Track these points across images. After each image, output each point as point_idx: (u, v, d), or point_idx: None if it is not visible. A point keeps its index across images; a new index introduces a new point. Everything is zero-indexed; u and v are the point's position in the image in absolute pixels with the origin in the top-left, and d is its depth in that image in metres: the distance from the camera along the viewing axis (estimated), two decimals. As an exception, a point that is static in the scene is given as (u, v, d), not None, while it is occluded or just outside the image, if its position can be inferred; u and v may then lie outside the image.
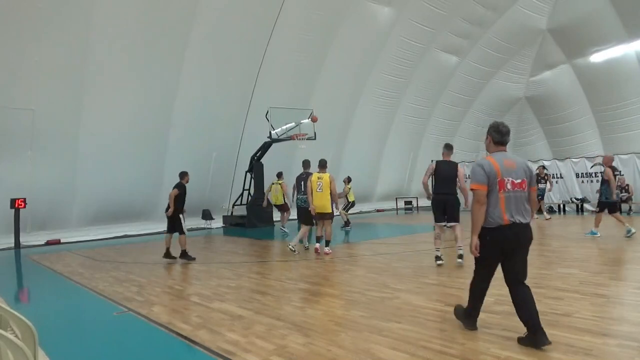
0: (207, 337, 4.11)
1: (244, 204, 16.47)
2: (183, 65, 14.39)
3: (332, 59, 17.64)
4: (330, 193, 8.65)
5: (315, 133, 15.64)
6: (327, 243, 8.84)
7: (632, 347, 3.43)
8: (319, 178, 8.72)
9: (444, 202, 7.42)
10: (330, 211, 8.71)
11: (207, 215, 16.60)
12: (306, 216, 9.23)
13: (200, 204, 16.49)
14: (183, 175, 9.19)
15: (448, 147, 7.70)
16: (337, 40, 17.29)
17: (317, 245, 9.05)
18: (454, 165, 7.59)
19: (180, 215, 8.91)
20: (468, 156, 24.48)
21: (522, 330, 3.54)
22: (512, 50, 22.34)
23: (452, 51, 21.23)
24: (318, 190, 8.64)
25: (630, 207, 16.63)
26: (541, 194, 14.61)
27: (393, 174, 23.34)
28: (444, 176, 7.44)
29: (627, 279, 6.06)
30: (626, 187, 16.42)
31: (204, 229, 16.43)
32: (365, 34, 17.98)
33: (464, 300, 4.95)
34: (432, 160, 8.60)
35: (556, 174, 17.92)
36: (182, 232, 8.88)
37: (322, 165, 8.96)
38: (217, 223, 16.90)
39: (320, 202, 8.64)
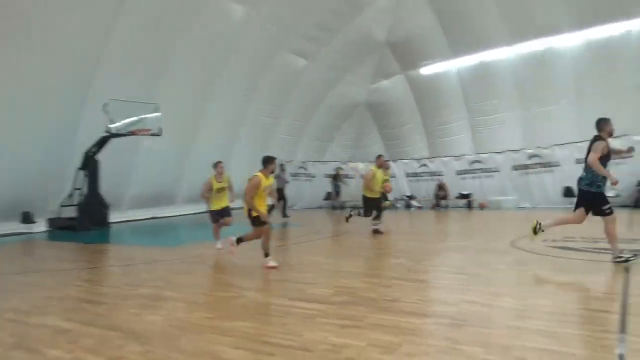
0: (24, 358, 3.55)
1: (75, 205, 14.67)
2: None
3: (182, 53, 16.72)
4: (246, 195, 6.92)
5: (160, 129, 14.71)
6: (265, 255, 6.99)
7: (445, 324, 3.98)
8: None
9: None
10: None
11: (27, 217, 14.34)
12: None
13: (18, 205, 14.18)
14: None
15: None
16: (187, 35, 16.40)
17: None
18: None
19: None
20: (311, 156, 25.61)
21: (356, 319, 3.77)
22: (356, 58, 23.95)
23: (301, 54, 21.94)
24: None
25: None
26: None
27: (243, 173, 23.18)
28: None
29: (443, 266, 7.01)
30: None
31: (21, 234, 14.09)
32: (217, 29, 17.45)
33: (307, 293, 5.15)
34: None
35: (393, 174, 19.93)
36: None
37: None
38: (40, 227, 14.68)
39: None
